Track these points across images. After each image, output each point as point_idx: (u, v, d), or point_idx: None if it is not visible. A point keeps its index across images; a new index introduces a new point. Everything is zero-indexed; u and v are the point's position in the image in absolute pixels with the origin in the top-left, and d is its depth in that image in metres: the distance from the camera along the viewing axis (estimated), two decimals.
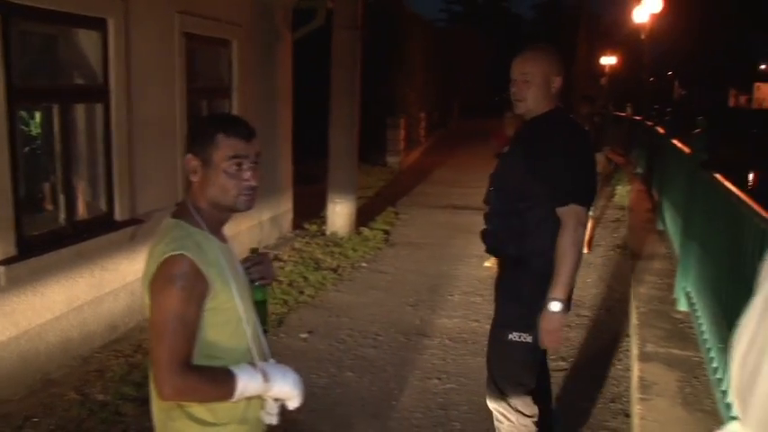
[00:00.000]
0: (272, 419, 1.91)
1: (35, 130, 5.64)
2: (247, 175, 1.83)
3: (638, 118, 14.97)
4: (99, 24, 4.95)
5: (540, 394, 3.03)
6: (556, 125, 2.85)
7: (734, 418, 1.17)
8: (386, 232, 9.02)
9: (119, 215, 5.21)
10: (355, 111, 8.72)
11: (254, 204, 1.89)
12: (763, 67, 51.91)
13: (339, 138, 8.65)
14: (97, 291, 4.98)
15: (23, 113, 5.36)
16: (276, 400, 1.90)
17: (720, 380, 3.30)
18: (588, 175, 2.88)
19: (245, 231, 7.28)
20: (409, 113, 17.64)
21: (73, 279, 4.74)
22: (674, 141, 6.97)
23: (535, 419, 2.95)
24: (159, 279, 1.75)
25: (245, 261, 2.04)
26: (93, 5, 4.88)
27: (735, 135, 21.03)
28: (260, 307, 2.00)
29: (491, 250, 3.09)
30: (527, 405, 2.93)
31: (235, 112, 7.00)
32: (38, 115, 5.50)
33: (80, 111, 5.14)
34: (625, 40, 37.11)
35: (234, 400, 1.78)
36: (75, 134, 5.10)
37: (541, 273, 2.73)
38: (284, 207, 8.58)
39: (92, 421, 3.90)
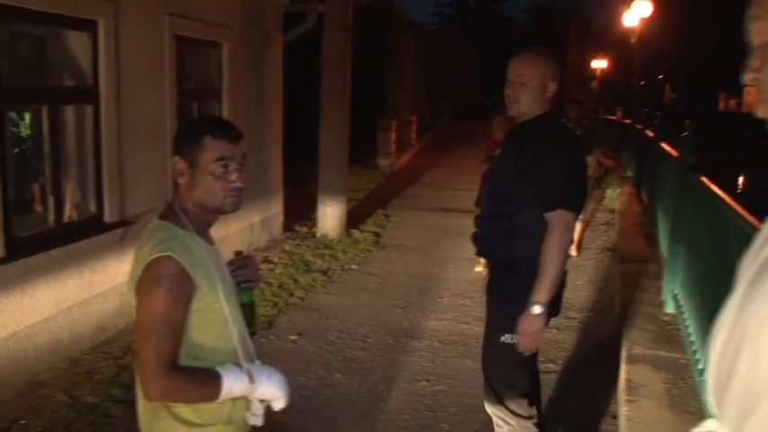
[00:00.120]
0: (258, 420, 1.92)
1: (24, 131, 5.63)
2: (234, 176, 1.85)
3: (628, 121, 15.05)
4: (89, 26, 4.94)
5: (530, 396, 3.04)
6: (548, 129, 2.83)
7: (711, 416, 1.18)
8: (376, 234, 9.02)
9: (108, 217, 5.20)
10: (346, 113, 8.73)
11: (240, 206, 1.90)
12: None
13: (330, 140, 8.66)
14: (86, 292, 4.97)
15: (13, 114, 5.36)
16: (262, 401, 1.91)
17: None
18: (578, 180, 2.88)
19: (236, 233, 7.27)
20: (400, 116, 17.66)
21: (62, 280, 4.73)
22: (663, 145, 7.01)
23: (535, 421, 2.95)
24: (146, 280, 1.76)
25: (229, 264, 2.04)
26: (82, 7, 4.87)
27: (724, 138, 21.11)
28: (246, 309, 2.01)
29: (481, 253, 3.08)
30: (524, 407, 2.93)
31: (225, 114, 7.01)
32: (27, 116, 5.49)
33: (70, 112, 5.13)
34: (616, 43, 37.25)
35: (220, 400, 1.79)
36: (65, 135, 5.09)
37: (532, 275, 2.72)
38: (275, 209, 8.58)
39: (80, 423, 3.89)
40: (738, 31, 1.10)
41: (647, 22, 20.07)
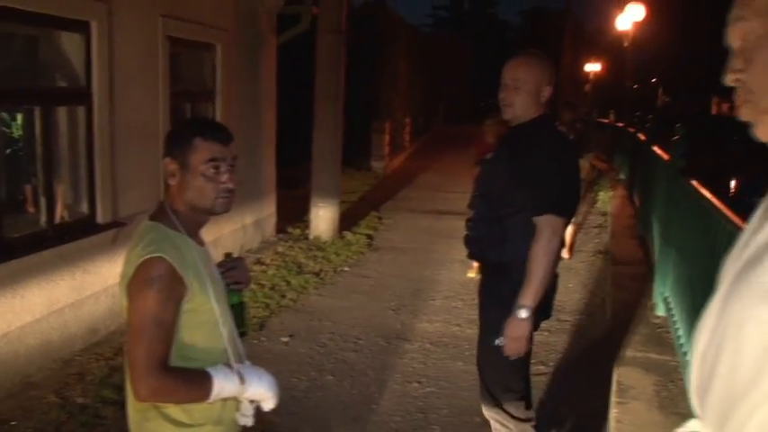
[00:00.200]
0: (248, 421, 1.93)
1: (17, 132, 5.62)
2: (225, 177, 1.86)
3: (620, 124, 15.10)
4: (82, 27, 4.94)
5: (527, 399, 3.04)
6: (541, 133, 2.82)
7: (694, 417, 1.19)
8: (369, 237, 9.04)
9: (101, 218, 5.20)
10: (339, 115, 8.74)
11: (231, 207, 1.91)
12: None
13: (323, 142, 8.67)
14: (78, 293, 4.96)
15: (5, 115, 5.35)
16: (251, 401, 1.92)
17: None
18: (571, 184, 2.87)
19: (229, 235, 7.27)
20: (394, 118, 17.68)
21: (54, 281, 4.72)
22: (655, 148, 7.04)
23: (533, 423, 2.95)
24: (137, 281, 1.76)
25: (219, 266, 2.05)
26: (76, 8, 4.87)
27: (716, 142, 21.20)
28: (236, 310, 2.02)
29: (474, 256, 3.08)
30: (521, 410, 2.93)
31: (218, 115, 7.01)
32: (20, 117, 5.48)
33: (62, 113, 5.13)
34: (609, 47, 37.35)
35: (210, 401, 1.80)
36: (58, 136, 5.09)
37: (524, 279, 2.73)
38: (267, 211, 8.58)
39: (71, 424, 3.89)
40: None
41: (641, 25, 20.12)
